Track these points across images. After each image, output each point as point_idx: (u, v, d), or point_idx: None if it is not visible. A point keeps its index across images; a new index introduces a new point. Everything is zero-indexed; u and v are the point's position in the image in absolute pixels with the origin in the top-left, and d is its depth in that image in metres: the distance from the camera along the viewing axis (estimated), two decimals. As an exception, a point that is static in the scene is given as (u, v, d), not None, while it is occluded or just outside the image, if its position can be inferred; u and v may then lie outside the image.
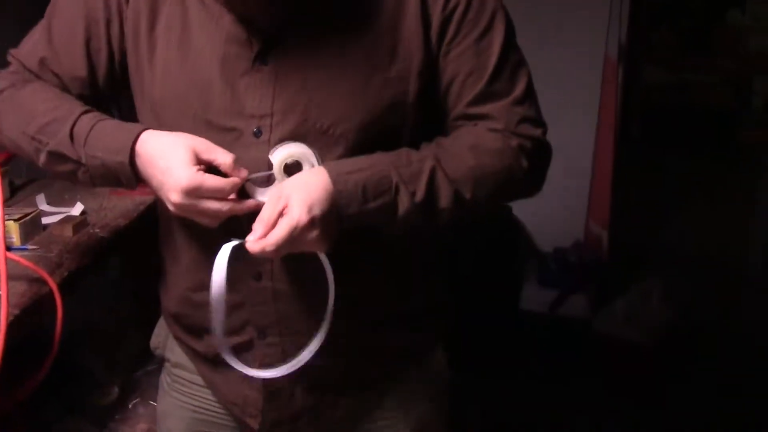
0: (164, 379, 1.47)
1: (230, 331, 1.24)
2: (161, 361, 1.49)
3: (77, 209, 1.77)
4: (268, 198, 1.12)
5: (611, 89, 3.53)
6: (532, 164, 1.23)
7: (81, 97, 1.26)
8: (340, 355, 1.26)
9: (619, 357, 3.35)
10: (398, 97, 1.18)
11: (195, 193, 1.09)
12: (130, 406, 1.94)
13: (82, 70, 1.26)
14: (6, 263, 1.19)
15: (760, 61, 6.93)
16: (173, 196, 1.10)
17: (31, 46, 1.30)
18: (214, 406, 1.39)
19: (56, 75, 1.27)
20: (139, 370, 2.04)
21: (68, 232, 1.62)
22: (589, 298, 3.51)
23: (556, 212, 3.59)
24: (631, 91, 5.81)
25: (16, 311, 1.27)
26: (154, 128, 1.17)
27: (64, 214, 1.72)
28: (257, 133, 1.16)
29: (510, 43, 1.23)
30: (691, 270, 4.33)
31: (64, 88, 1.27)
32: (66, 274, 1.46)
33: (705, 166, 6.03)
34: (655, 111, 6.82)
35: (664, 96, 7.07)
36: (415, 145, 1.20)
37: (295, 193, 1.09)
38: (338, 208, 1.11)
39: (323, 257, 1.15)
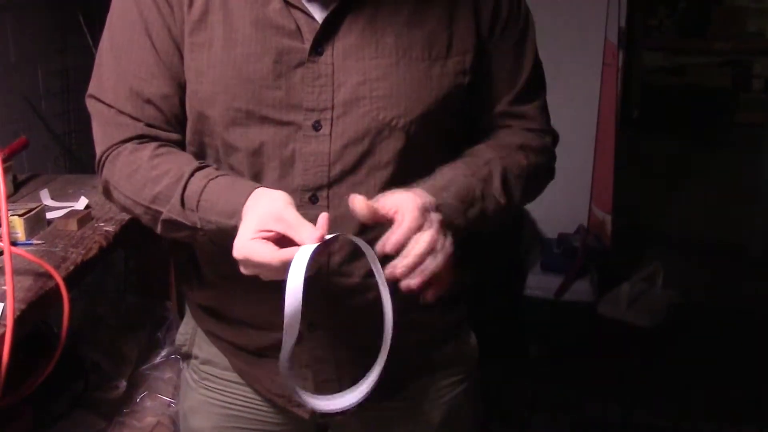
0: (189, 376, 1.44)
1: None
2: (182, 358, 1.46)
3: (81, 203, 1.76)
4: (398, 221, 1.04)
5: (612, 74, 3.54)
6: (555, 157, 1.32)
7: (181, 123, 1.19)
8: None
9: (624, 340, 3.36)
10: (455, 90, 1.18)
11: (243, 262, 1.05)
12: (137, 399, 1.94)
13: (166, 86, 1.18)
14: (11, 258, 1.19)
15: (758, 43, 6.94)
16: (235, 253, 1.05)
17: (110, 83, 1.20)
18: (246, 401, 1.37)
19: (149, 102, 1.18)
20: (146, 363, 2.04)
21: (73, 226, 1.62)
22: (592, 283, 3.51)
23: (559, 198, 3.57)
24: (630, 76, 5.82)
25: (23, 306, 1.27)
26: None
27: (69, 209, 1.72)
28: (316, 126, 1.14)
29: (536, 44, 1.27)
30: (693, 253, 4.34)
31: (162, 113, 1.19)
32: (71, 268, 1.46)
33: (704, 149, 6.03)
34: (654, 94, 6.82)
35: (663, 79, 7.07)
36: (464, 138, 1.24)
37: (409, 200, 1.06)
38: (446, 220, 1.09)
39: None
